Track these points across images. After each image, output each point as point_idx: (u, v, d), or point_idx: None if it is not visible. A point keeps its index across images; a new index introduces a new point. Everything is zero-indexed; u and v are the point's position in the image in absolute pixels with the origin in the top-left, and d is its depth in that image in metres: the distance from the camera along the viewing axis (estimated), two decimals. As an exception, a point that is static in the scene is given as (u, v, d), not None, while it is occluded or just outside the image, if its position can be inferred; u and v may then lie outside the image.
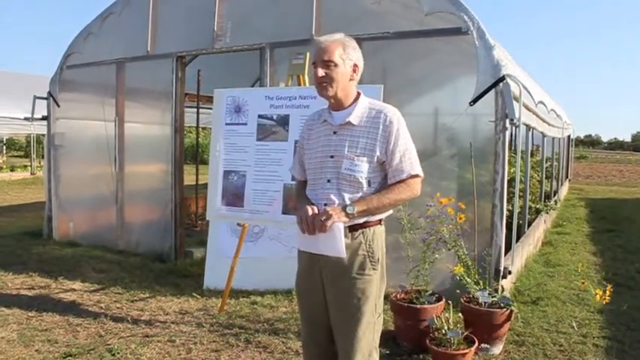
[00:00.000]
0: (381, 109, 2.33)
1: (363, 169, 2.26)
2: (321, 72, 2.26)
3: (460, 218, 3.85)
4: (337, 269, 2.28)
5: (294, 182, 3.81)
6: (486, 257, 4.21)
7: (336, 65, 2.26)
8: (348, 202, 2.24)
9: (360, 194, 2.27)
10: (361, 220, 2.28)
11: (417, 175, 2.30)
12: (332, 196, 2.27)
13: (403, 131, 2.30)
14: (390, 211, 2.41)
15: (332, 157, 2.29)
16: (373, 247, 2.30)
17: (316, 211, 2.22)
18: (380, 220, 2.35)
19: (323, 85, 2.27)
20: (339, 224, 2.18)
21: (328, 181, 2.30)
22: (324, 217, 2.16)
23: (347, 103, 2.33)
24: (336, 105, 2.34)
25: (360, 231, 2.29)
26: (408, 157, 2.28)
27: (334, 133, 2.32)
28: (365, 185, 2.27)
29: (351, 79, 2.32)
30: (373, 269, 2.30)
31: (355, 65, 2.32)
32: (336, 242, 2.19)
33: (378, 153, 2.26)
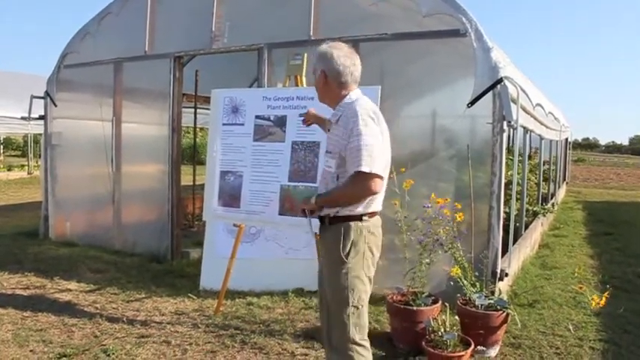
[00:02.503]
0: (348, 106, 2.51)
1: (331, 164, 2.52)
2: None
3: (459, 217, 3.85)
4: (320, 258, 2.69)
5: (291, 183, 3.87)
6: (483, 259, 4.20)
7: (315, 77, 2.60)
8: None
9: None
10: (336, 214, 2.49)
11: (362, 172, 2.34)
12: (320, 188, 2.63)
13: (359, 128, 2.37)
14: (379, 208, 2.57)
15: (325, 153, 2.64)
16: (343, 240, 2.47)
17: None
18: (360, 216, 2.49)
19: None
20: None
21: (322, 174, 2.69)
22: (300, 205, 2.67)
23: (335, 106, 2.59)
24: (332, 108, 2.63)
25: (336, 224, 2.51)
26: (355, 154, 2.36)
27: (329, 130, 2.65)
28: (335, 179, 2.52)
29: (326, 85, 2.57)
30: (342, 261, 2.47)
31: (322, 72, 2.55)
32: (308, 223, 2.64)
33: (339, 149, 2.46)
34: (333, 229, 2.50)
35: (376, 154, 2.37)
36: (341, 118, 2.49)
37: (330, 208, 2.50)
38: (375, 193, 2.42)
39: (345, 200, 2.46)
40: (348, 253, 2.47)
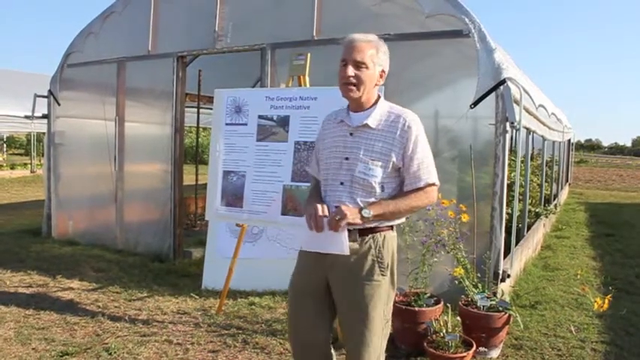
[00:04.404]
0: (400, 113, 2.28)
1: (377, 173, 2.22)
2: (351, 71, 2.20)
3: (464, 217, 3.85)
4: (345, 274, 2.27)
5: (293, 183, 3.86)
6: (485, 260, 4.20)
7: (367, 67, 2.21)
8: (360, 204, 2.21)
9: (372, 199, 2.23)
10: (372, 225, 2.24)
11: (434, 184, 2.28)
12: (344, 199, 2.24)
13: (422, 138, 2.26)
14: (403, 219, 2.39)
15: (347, 159, 2.26)
16: (383, 252, 2.27)
17: (326, 210, 2.19)
18: (391, 226, 2.33)
19: (350, 86, 2.22)
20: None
21: (341, 183, 2.27)
22: (339, 217, 2.14)
23: (367, 106, 2.29)
24: (357, 107, 2.30)
25: (370, 236, 2.26)
26: (426, 165, 2.25)
27: (350, 134, 2.28)
28: (378, 190, 2.24)
29: (376, 84, 2.28)
30: (382, 275, 2.27)
31: (383, 71, 2.29)
32: (340, 240, 2.17)
33: (394, 158, 2.22)
34: (368, 242, 2.26)
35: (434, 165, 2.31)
36: (385, 123, 2.25)
37: (378, 220, 2.23)
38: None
39: (408, 212, 2.30)
40: (387, 266, 2.29)
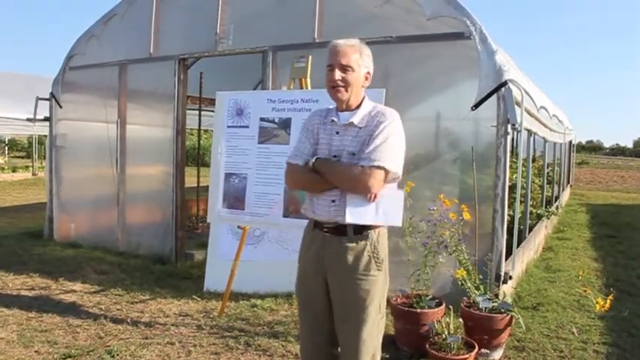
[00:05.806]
0: (381, 110, 2.39)
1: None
2: (338, 75, 2.31)
3: (466, 216, 3.84)
4: (342, 270, 2.34)
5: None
6: (487, 262, 4.20)
7: (352, 70, 2.32)
8: (348, 207, 2.27)
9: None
10: (367, 223, 2.31)
11: (382, 168, 2.23)
12: (333, 195, 2.32)
13: (391, 128, 2.29)
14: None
15: (335, 157, 2.35)
16: (378, 247, 2.35)
17: None
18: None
19: (338, 88, 2.33)
20: (400, 193, 2.37)
21: None
22: None
23: (354, 107, 2.39)
24: (345, 108, 2.40)
25: (364, 233, 2.33)
26: (381, 149, 2.24)
27: (337, 133, 2.38)
28: None
29: (362, 86, 2.39)
30: (378, 270, 2.34)
31: (368, 73, 2.40)
32: (399, 209, 2.33)
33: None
34: (363, 239, 2.32)
35: (398, 155, 2.30)
36: (368, 119, 2.34)
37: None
38: (369, 193, 2.26)
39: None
40: (382, 261, 2.35)
